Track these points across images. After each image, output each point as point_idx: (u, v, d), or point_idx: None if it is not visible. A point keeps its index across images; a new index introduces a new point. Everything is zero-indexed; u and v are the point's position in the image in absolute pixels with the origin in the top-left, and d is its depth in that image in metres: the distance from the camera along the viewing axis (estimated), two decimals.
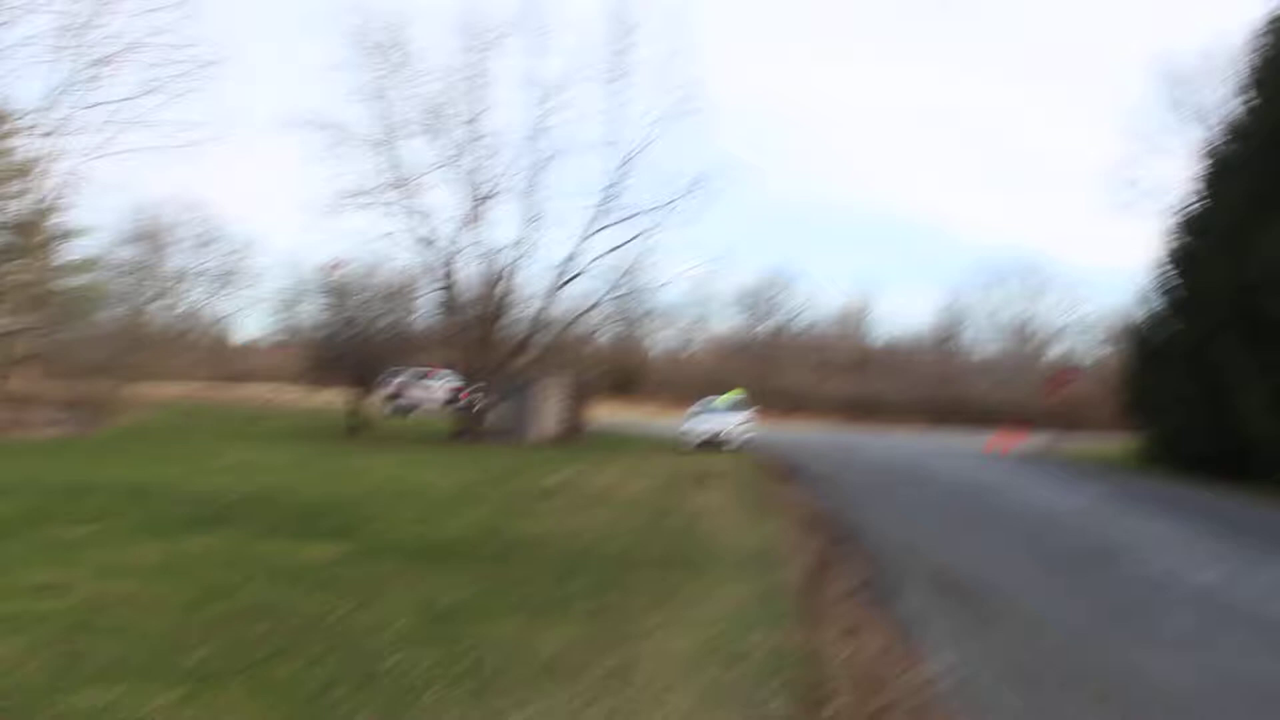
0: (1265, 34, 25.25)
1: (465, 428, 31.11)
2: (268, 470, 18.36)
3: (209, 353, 62.50)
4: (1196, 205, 27.21)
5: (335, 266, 36.20)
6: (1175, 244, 27.50)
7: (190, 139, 33.63)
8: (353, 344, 32.75)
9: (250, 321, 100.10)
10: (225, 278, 64.20)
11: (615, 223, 32.55)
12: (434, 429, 31.92)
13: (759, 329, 75.93)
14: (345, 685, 5.91)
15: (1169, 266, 27.58)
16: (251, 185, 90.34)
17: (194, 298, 64.71)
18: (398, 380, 41.19)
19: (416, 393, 42.39)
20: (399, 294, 35.89)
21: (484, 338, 32.23)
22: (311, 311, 39.22)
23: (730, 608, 8.38)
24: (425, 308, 38.22)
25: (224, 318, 68.62)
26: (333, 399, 39.11)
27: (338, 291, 36.13)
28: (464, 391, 35.63)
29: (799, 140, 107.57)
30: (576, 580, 9.31)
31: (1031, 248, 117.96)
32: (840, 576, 10.20)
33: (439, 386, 41.25)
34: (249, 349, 66.31)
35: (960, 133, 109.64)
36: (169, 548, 9.99)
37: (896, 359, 67.05)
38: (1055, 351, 70.11)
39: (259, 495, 14.54)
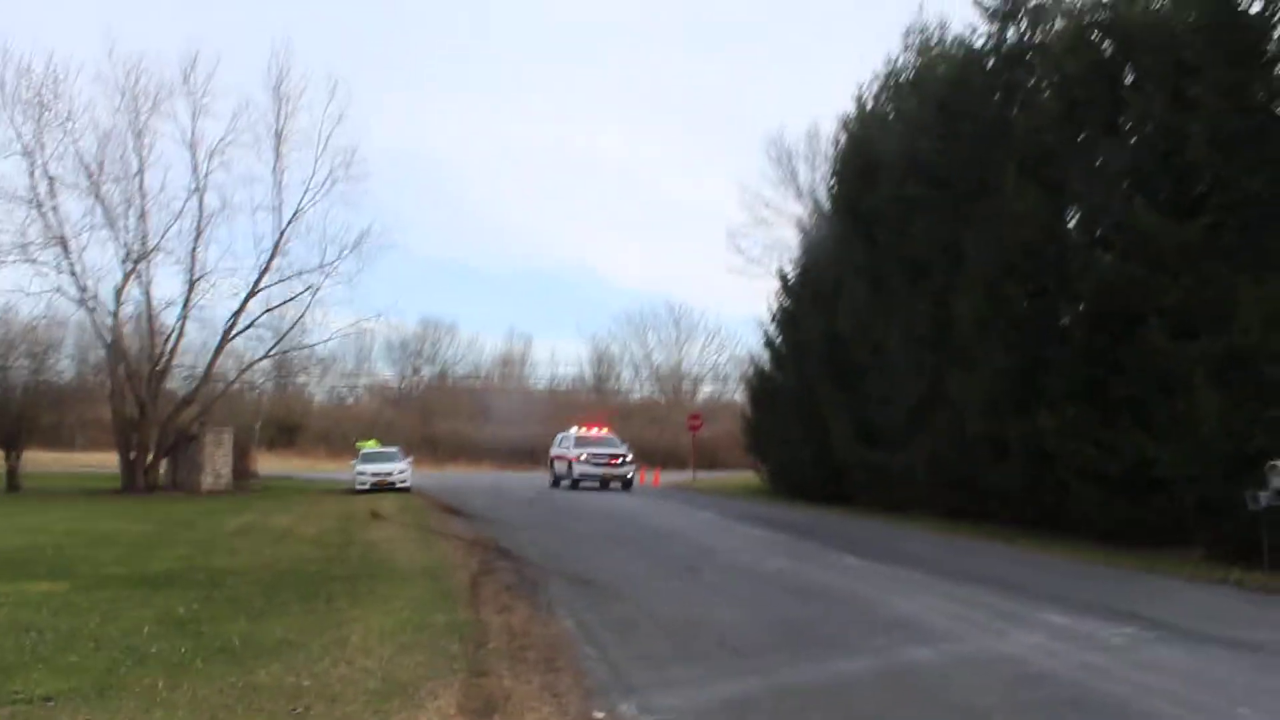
0: (843, 130, 30.72)
1: (135, 480, 31.17)
2: None
3: None
4: (795, 270, 32.50)
5: None
6: (780, 303, 32.59)
7: None
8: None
9: None
10: None
11: (278, 281, 34.01)
12: (100, 484, 31.65)
13: (418, 377, 77.87)
14: (127, 664, 7.88)
15: (775, 322, 32.63)
16: None
17: None
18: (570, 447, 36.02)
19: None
20: (49, 350, 35.02)
21: (149, 392, 32.44)
22: None
23: (413, 601, 10.87)
24: (81, 364, 37.64)
25: None
26: None
27: None
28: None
29: (448, 196, 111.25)
30: (284, 594, 11.45)
31: (678, 296, 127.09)
32: (496, 580, 12.93)
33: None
34: None
35: (604, 185, 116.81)
36: None
37: (555, 403, 70.67)
38: (703, 393, 76.82)
39: None
